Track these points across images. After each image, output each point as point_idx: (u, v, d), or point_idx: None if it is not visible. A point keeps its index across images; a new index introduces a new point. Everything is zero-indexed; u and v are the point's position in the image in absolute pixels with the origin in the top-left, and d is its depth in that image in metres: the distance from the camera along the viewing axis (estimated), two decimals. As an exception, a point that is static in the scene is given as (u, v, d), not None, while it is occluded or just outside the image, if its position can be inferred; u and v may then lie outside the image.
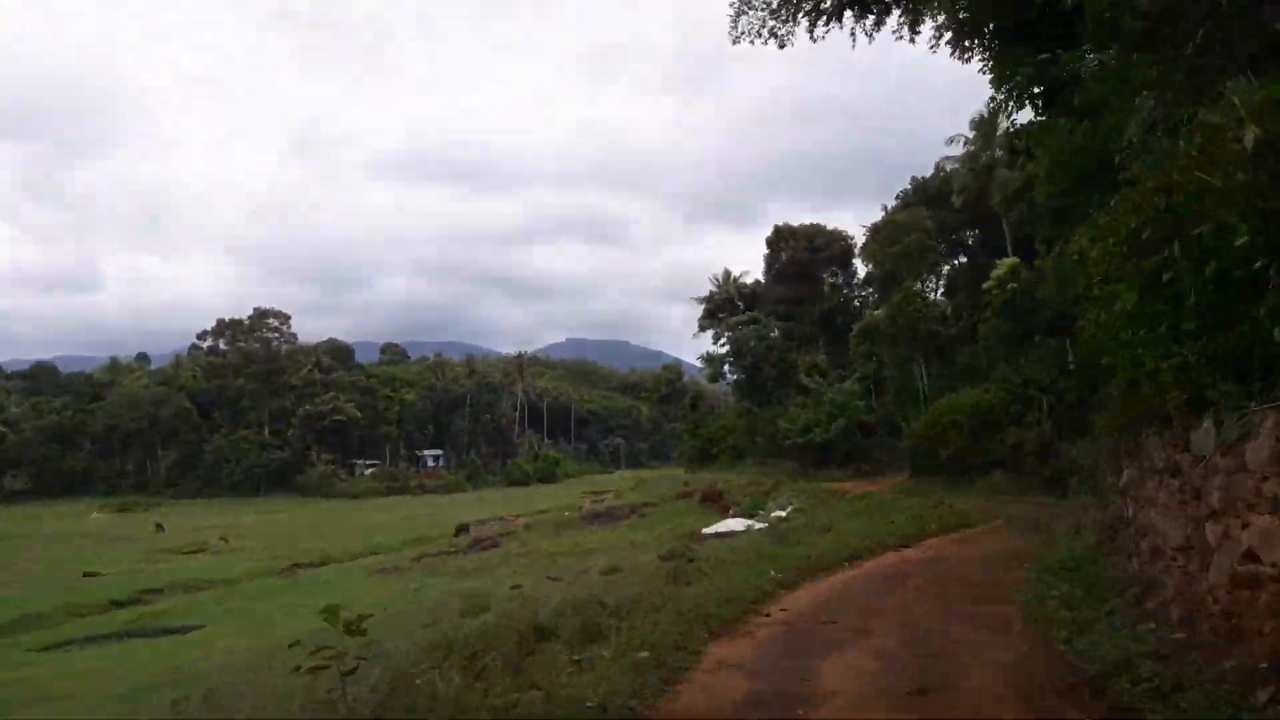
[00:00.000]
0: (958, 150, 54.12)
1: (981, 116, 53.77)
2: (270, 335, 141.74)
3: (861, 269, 66.56)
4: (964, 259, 61.70)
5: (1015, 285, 37.53)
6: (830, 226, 67.87)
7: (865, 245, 62.25)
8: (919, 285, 56.63)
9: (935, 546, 17.91)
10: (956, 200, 54.79)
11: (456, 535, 63.54)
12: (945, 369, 55.25)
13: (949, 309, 60.06)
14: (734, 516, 51.86)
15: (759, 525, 48.86)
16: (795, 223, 68.96)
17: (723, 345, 68.80)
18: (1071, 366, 38.96)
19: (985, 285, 40.28)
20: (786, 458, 60.96)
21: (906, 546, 17.95)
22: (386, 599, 39.52)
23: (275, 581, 51.12)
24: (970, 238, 60.79)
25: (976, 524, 20.05)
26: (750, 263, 68.89)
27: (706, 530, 47.66)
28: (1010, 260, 39.63)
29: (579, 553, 48.51)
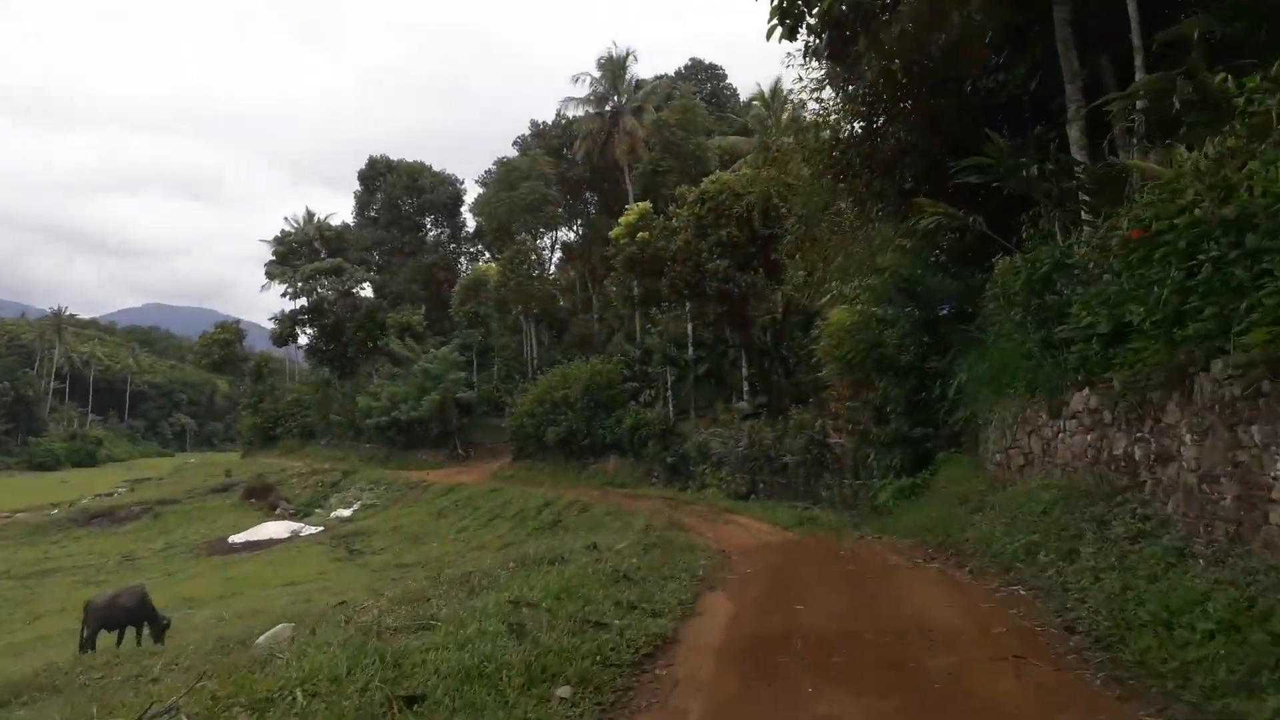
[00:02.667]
0: (583, 90, 47.31)
1: (609, 56, 47.58)
2: None
3: (472, 222, 57.61)
4: (582, 227, 55.44)
5: (646, 235, 30.88)
6: (438, 168, 57.94)
7: (478, 198, 53.50)
8: (535, 241, 49.12)
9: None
10: (579, 149, 48.12)
11: None
12: (559, 339, 48.37)
13: (564, 279, 53.70)
14: (283, 517, 39.99)
15: (311, 529, 37.83)
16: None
17: (297, 299, 55.50)
18: (691, 346, 33.58)
19: (611, 233, 33.29)
20: (369, 440, 50.13)
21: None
22: None
23: None
24: (592, 203, 54.59)
25: (713, 579, 8.19)
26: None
27: (236, 538, 35.37)
28: (641, 205, 33.01)
29: (33, 574, 33.39)
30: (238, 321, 76.23)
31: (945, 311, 14.40)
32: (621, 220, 32.58)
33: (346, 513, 38.03)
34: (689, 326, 34.58)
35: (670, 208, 31.18)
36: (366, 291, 56.29)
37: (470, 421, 45.13)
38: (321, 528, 35.25)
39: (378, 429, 47.94)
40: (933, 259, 14.42)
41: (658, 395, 35.69)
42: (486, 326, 46.54)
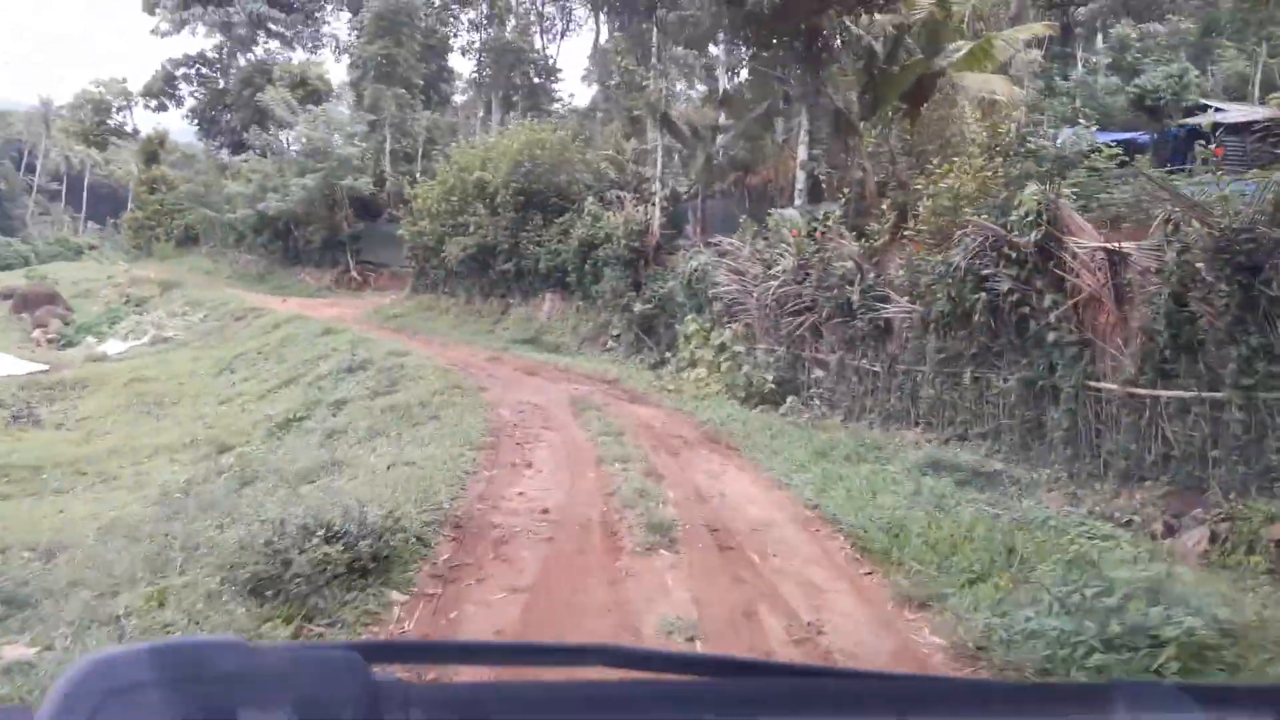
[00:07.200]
0: None
1: None
2: None
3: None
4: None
5: None
6: None
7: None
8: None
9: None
10: None
11: None
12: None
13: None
14: (41, 341, 25.67)
15: (28, 367, 23.14)
16: None
17: (168, 36, 38.88)
18: (719, 108, 17.43)
19: None
20: (249, 248, 35.27)
21: None
22: None
23: None
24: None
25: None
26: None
27: None
28: None
29: None
30: (124, 81, 55.91)
31: None
32: None
33: (121, 347, 23.53)
34: (721, 74, 18.72)
35: None
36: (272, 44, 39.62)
37: (372, 229, 29.71)
38: (44, 367, 20.55)
39: (254, 233, 32.94)
40: None
41: (648, 202, 19.75)
42: (407, 80, 30.14)
